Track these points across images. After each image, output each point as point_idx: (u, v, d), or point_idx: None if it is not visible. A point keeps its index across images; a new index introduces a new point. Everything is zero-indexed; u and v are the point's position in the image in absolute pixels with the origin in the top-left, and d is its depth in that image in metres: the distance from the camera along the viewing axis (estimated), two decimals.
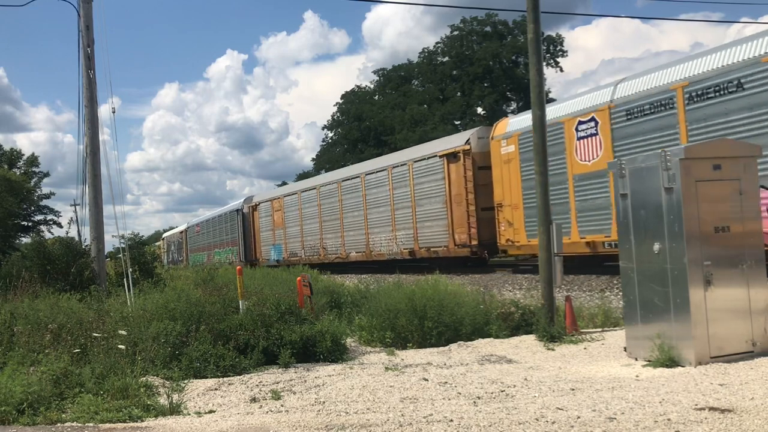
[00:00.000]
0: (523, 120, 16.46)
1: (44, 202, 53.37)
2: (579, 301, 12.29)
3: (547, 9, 43.36)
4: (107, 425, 5.63)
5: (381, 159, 26.06)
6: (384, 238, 23.07)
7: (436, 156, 20.19)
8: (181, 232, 56.57)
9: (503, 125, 18.14)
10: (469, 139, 19.12)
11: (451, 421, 5.07)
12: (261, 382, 7.09)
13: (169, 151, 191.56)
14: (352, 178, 25.51)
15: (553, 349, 8.79)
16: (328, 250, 26.91)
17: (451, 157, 19.44)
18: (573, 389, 6.10)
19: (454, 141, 20.12)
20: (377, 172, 23.68)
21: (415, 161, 21.37)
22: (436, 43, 59.64)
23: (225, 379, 7.31)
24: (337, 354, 8.70)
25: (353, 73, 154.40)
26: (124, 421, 5.73)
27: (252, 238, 35.02)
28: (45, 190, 55.17)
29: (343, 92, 67.21)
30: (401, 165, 22.16)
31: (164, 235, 71.69)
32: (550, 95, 52.59)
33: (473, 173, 18.64)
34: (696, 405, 5.19)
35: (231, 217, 38.35)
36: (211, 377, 7.48)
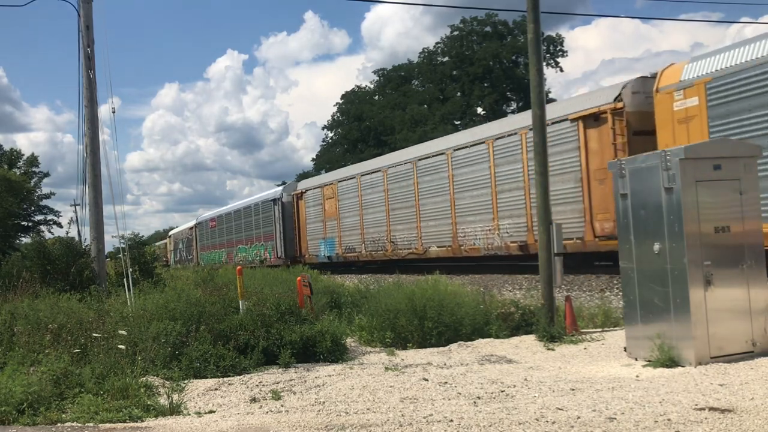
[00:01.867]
0: (714, 61, 12.34)
1: (44, 202, 53.33)
2: (579, 301, 12.30)
3: (547, 9, 43.38)
4: (107, 425, 5.63)
5: (475, 130, 20.84)
6: (480, 229, 18.62)
7: (566, 120, 15.53)
8: (191, 229, 51.58)
9: (675, 72, 13.19)
10: (620, 94, 14.31)
11: (451, 421, 5.07)
12: (261, 382, 7.09)
13: (168, 151, 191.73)
14: (433, 156, 20.92)
15: (553, 349, 8.79)
16: (398, 244, 22.67)
17: (590, 120, 14.91)
18: (573, 389, 6.10)
19: (596, 98, 15.15)
20: (471, 146, 19.09)
21: (530, 129, 16.35)
22: (436, 43, 59.77)
23: (225, 379, 7.31)
24: (337, 354, 8.70)
25: (353, 73, 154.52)
26: (124, 421, 5.72)
27: (295, 232, 30.44)
28: (45, 190, 55.13)
29: (343, 92, 67.36)
30: (509, 135, 17.51)
31: (171, 233, 66.38)
32: (550, 95, 52.63)
33: (626, 140, 13.98)
34: (696, 405, 5.19)
35: (265, 208, 33.43)
36: (211, 377, 7.48)
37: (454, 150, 19.93)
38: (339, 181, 26.96)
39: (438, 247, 20.61)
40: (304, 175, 64.71)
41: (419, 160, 21.68)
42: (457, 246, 19.68)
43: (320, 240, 28.27)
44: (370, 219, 24.49)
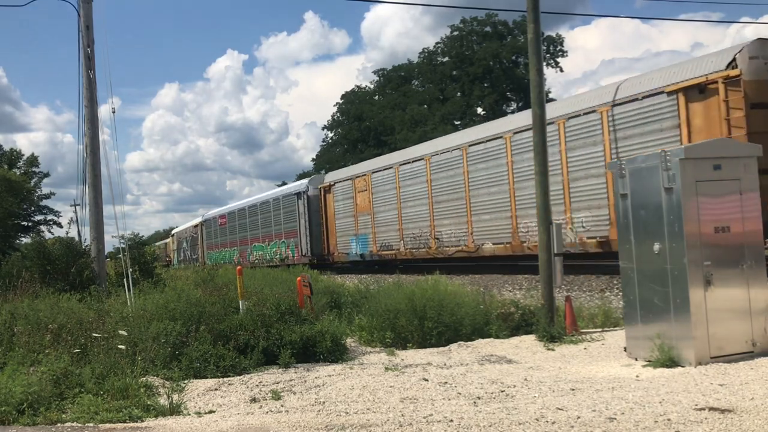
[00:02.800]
0: None
1: (44, 202, 53.35)
2: (579, 301, 12.29)
3: (547, 9, 43.37)
4: (107, 425, 5.63)
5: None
6: None
7: (661, 93, 13.34)
8: (195, 227, 48.32)
9: None
10: (734, 59, 12.08)
11: (451, 421, 5.06)
12: (261, 382, 7.09)
13: (168, 151, 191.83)
14: (488, 141, 18.35)
15: (553, 350, 8.79)
16: (444, 241, 20.29)
17: (694, 91, 12.71)
18: (573, 389, 6.10)
19: (701, 66, 12.83)
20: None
21: (615, 104, 14.34)
22: (436, 43, 59.80)
23: (225, 379, 7.31)
24: (337, 354, 8.70)
25: (353, 73, 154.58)
26: (124, 422, 5.73)
27: (323, 228, 27.55)
28: (45, 190, 55.14)
29: (343, 92, 67.37)
30: (586, 113, 15.11)
31: (174, 231, 62.77)
32: (550, 95, 52.63)
33: (744, 114, 11.77)
34: (696, 405, 5.19)
35: (287, 203, 30.35)
36: (211, 377, 7.48)
37: (514, 133, 17.24)
38: (373, 172, 24.15)
39: (494, 244, 18.06)
40: (304, 175, 64.67)
41: (470, 145, 19.00)
42: (518, 243, 17.21)
43: (351, 237, 25.65)
44: (411, 213, 21.84)
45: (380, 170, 23.95)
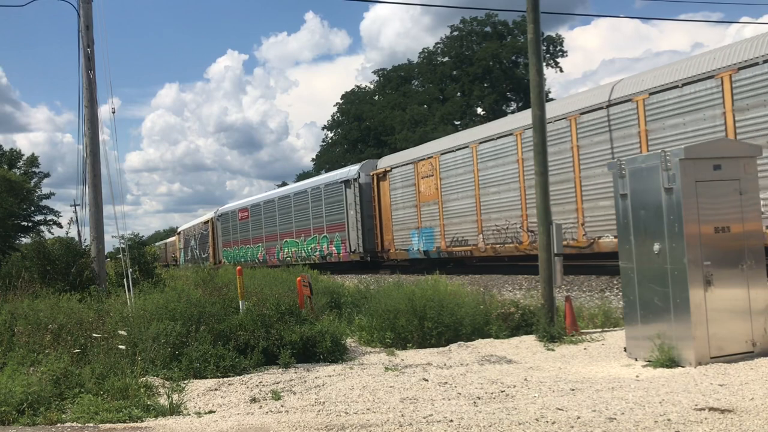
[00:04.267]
0: None
1: (44, 203, 53.34)
2: (579, 301, 12.29)
3: (546, 9, 43.35)
4: (107, 425, 5.63)
5: (693, 60, 13.09)
6: None
7: None
8: (206, 223, 43.82)
9: None
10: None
11: (451, 421, 5.06)
12: (261, 382, 7.09)
13: (168, 151, 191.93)
14: (611, 105, 14.33)
15: (553, 350, 8.79)
16: None
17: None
18: (573, 389, 6.10)
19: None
20: (681, 86, 12.70)
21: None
22: (436, 43, 59.77)
23: (225, 379, 7.31)
24: (337, 354, 8.70)
25: (352, 73, 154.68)
26: (124, 422, 5.73)
27: (376, 221, 23.93)
28: (45, 190, 55.15)
29: (343, 92, 67.39)
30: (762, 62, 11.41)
31: (180, 229, 57.45)
32: (550, 95, 52.63)
33: None
34: (696, 405, 5.19)
35: (332, 192, 26.34)
36: (211, 377, 7.48)
37: (650, 93, 13.42)
38: (442, 154, 20.23)
39: (615, 236, 13.29)
40: (304, 176, 64.60)
41: (583, 113, 15.05)
42: None
43: (412, 230, 21.91)
44: (493, 200, 17.92)
45: (452, 151, 19.73)
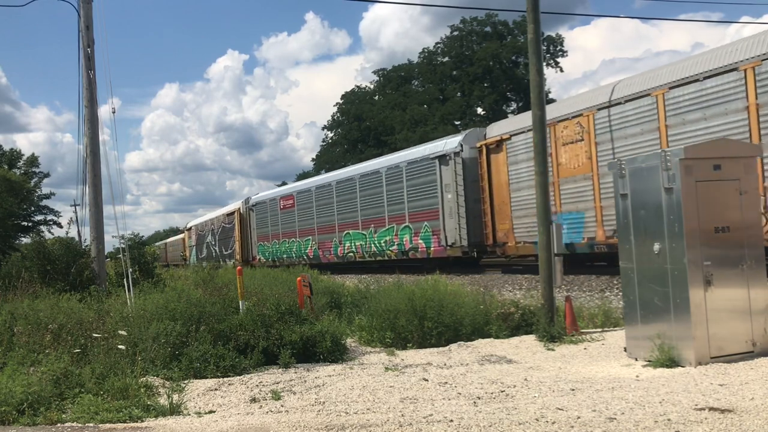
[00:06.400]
0: None
1: (44, 203, 53.38)
2: (579, 301, 12.29)
3: (547, 9, 43.32)
4: (107, 425, 5.63)
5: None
6: None
7: None
8: (230, 214, 37.90)
9: None
10: None
11: (451, 421, 5.06)
12: (261, 382, 7.09)
13: (168, 151, 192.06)
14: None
15: (553, 350, 8.79)
16: None
17: None
18: (573, 389, 6.10)
19: None
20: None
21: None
22: (436, 43, 59.85)
23: (225, 379, 7.31)
24: (337, 354, 8.70)
25: (352, 73, 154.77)
26: (124, 422, 5.73)
27: (486, 205, 18.63)
28: (45, 190, 55.14)
29: (343, 92, 67.43)
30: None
31: (191, 224, 51.72)
32: (550, 95, 52.64)
33: None
34: (696, 405, 5.19)
35: (420, 171, 21.15)
36: (211, 377, 7.48)
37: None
38: (600, 108, 14.93)
39: None
40: (304, 175, 64.42)
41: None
42: None
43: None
44: None
45: (618, 103, 14.49)
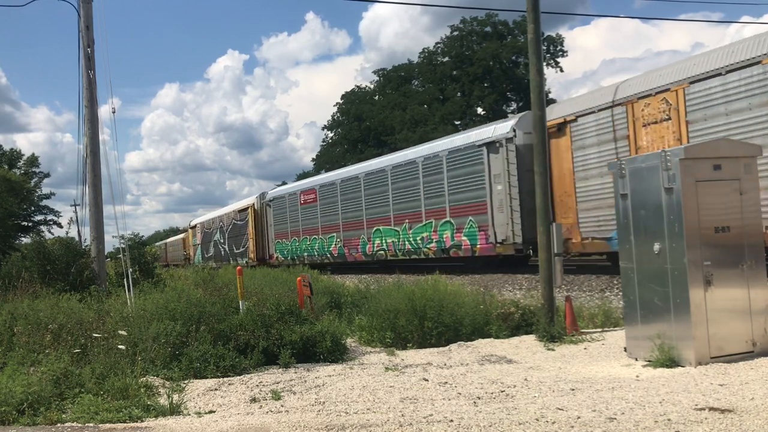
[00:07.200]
0: None
1: (44, 203, 53.40)
2: (579, 301, 12.28)
3: (547, 9, 43.24)
4: (107, 425, 5.63)
5: None
6: None
7: None
8: (242, 210, 35.66)
9: None
10: None
11: (451, 421, 5.06)
12: (261, 382, 7.09)
13: (168, 151, 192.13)
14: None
15: (553, 350, 8.79)
16: None
17: None
18: (573, 389, 6.10)
19: None
20: None
21: None
22: (436, 43, 59.79)
23: (225, 379, 7.31)
24: (337, 354, 8.70)
25: (352, 73, 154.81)
26: (124, 422, 5.73)
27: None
28: (45, 190, 55.16)
29: (343, 92, 67.41)
30: None
31: (196, 221, 49.66)
32: (550, 95, 52.63)
33: None
34: (696, 405, 5.19)
35: (462, 160, 19.11)
36: (211, 377, 7.48)
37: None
38: (693, 81, 12.87)
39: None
40: (304, 175, 64.47)
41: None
42: None
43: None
44: None
45: (717, 74, 12.45)
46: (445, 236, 19.84)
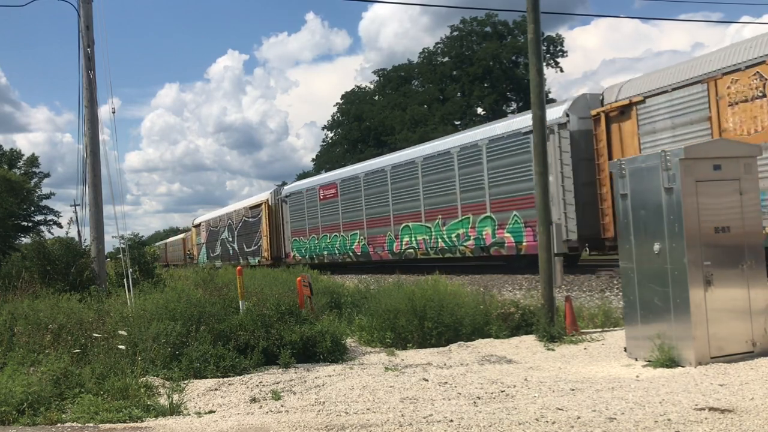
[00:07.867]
0: None
1: (44, 203, 53.39)
2: (579, 301, 12.28)
3: (546, 9, 43.24)
4: (107, 425, 5.63)
5: None
6: None
7: None
8: (255, 207, 33.99)
9: None
10: None
11: (451, 421, 5.06)
12: (261, 382, 7.09)
13: (168, 151, 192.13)
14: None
15: (553, 350, 8.79)
16: None
17: None
18: (573, 389, 6.10)
19: None
20: None
21: None
22: (436, 43, 59.80)
23: (225, 379, 7.31)
24: (337, 354, 8.70)
25: (352, 74, 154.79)
26: (124, 422, 5.73)
27: (605, 188, 14.96)
28: (45, 190, 55.15)
29: (343, 92, 67.40)
30: None
31: (200, 219, 47.95)
32: (550, 95, 52.62)
33: None
34: (696, 405, 5.19)
35: (505, 149, 17.43)
36: (211, 377, 7.47)
37: None
38: None
39: None
40: (304, 175, 64.48)
41: None
42: None
43: None
44: None
45: None
46: (484, 233, 18.09)
